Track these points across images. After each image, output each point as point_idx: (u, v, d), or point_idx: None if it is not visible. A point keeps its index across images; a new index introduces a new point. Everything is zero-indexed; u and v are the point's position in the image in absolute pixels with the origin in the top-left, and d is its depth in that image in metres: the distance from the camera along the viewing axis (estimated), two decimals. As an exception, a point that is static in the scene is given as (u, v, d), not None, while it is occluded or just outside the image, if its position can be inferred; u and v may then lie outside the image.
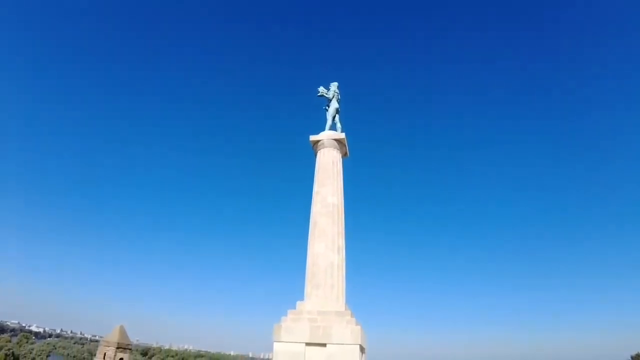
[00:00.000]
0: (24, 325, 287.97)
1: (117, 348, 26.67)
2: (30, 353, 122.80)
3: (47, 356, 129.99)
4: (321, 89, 21.72)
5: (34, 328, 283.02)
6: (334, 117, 21.21)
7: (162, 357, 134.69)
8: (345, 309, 16.41)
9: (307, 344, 15.32)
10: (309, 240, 18.19)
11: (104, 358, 26.60)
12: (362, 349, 15.74)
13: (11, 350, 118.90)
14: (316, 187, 19.19)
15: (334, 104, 21.39)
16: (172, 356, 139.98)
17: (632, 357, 50.36)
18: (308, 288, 17.17)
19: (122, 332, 27.62)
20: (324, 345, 15.12)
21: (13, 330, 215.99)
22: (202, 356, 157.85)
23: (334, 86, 21.85)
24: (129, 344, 27.70)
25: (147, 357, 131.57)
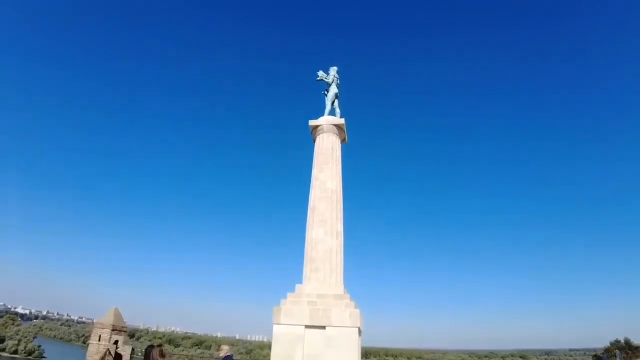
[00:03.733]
0: (9, 307, 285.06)
1: (112, 330, 26.74)
2: (17, 335, 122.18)
3: (33, 338, 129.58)
4: (320, 73, 21.52)
5: (19, 310, 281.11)
6: (333, 102, 21.11)
7: (149, 339, 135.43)
8: (344, 293, 16.74)
9: (307, 327, 15.62)
10: (307, 225, 18.34)
11: (99, 340, 26.66)
12: (359, 331, 16.17)
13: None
14: (315, 172, 19.25)
15: (333, 89, 21.25)
16: (159, 338, 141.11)
17: (610, 344, 52.27)
18: (307, 272, 17.41)
19: (117, 314, 27.66)
20: (324, 327, 15.46)
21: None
22: (189, 338, 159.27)
23: (333, 70, 21.66)
24: (123, 327, 27.80)
25: (134, 338, 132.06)
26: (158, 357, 7.73)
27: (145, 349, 9.11)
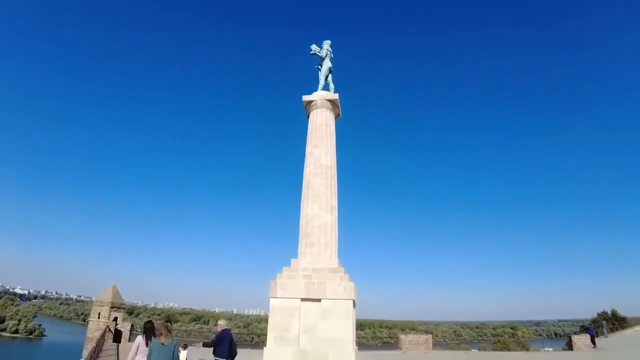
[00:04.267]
0: (7, 287, 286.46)
1: (111, 308, 27.05)
2: (17, 315, 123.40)
3: (33, 317, 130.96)
4: (314, 47, 21.09)
5: (18, 290, 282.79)
6: (326, 77, 20.79)
7: (148, 315, 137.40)
8: (339, 266, 17.01)
9: (302, 300, 15.93)
10: (302, 200, 18.42)
11: (98, 317, 27.02)
12: (354, 304, 16.51)
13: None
14: (309, 148, 19.19)
15: (327, 63, 20.90)
16: (158, 314, 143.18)
17: (597, 315, 53.45)
18: (302, 247, 17.61)
19: (115, 292, 27.95)
20: (319, 300, 15.77)
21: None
22: (187, 314, 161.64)
23: (326, 44, 21.22)
24: (122, 304, 28.13)
25: (133, 315, 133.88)
26: (165, 330, 7.84)
27: (144, 324, 9.24)
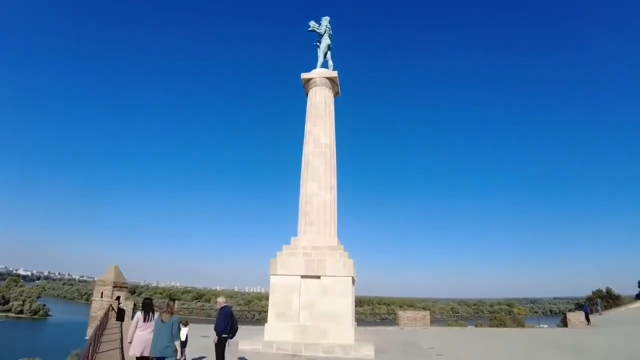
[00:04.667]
0: (10, 269, 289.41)
1: (114, 287, 27.43)
2: (21, 295, 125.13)
3: (37, 297, 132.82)
4: (312, 24, 20.68)
5: (21, 272, 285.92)
6: (325, 54, 20.46)
7: (149, 294, 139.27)
8: (338, 244, 17.16)
9: (302, 277, 16.13)
10: (301, 179, 18.41)
11: (101, 297, 27.39)
12: (353, 281, 16.73)
13: (1, 294, 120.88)
14: (308, 127, 19.06)
15: (326, 40, 20.52)
16: (160, 293, 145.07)
17: (592, 293, 54.13)
18: (302, 225, 17.71)
19: (117, 271, 28.28)
20: (318, 277, 15.97)
21: (0, 274, 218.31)
22: (188, 292, 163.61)
23: (325, 21, 20.79)
24: (124, 283, 28.50)
25: (135, 294, 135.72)
26: (167, 308, 8.00)
27: (143, 300, 9.37)
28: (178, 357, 7.44)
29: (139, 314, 8.66)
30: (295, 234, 17.95)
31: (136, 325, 8.53)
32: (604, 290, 53.26)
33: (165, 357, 7.45)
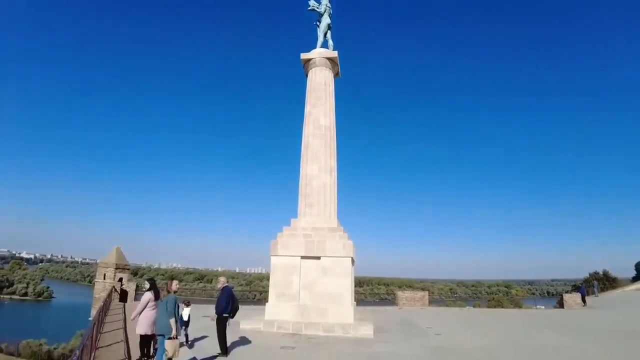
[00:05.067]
0: (14, 252, 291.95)
1: (116, 269, 27.71)
2: (25, 278, 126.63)
3: (41, 280, 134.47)
4: (312, 3, 20.25)
5: (24, 255, 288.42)
6: (325, 34, 20.11)
7: (151, 276, 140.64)
8: (338, 226, 17.25)
9: (303, 257, 16.26)
10: (301, 161, 18.37)
11: (104, 278, 27.69)
12: (352, 261, 16.89)
13: (5, 277, 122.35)
14: (308, 108, 18.89)
15: (326, 19, 20.13)
16: (162, 274, 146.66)
17: (589, 275, 54.59)
18: (302, 207, 17.76)
19: (119, 253, 28.53)
20: (319, 258, 16.11)
21: (4, 258, 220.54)
22: (190, 273, 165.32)
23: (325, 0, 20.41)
24: (126, 265, 28.78)
25: (137, 276, 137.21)
26: (167, 287, 8.21)
27: (148, 280, 9.54)
28: (173, 334, 7.58)
29: (150, 294, 8.94)
30: (295, 215, 18.02)
31: (145, 305, 8.84)
32: (601, 273, 53.80)
33: (163, 335, 7.64)
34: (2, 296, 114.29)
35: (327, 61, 19.43)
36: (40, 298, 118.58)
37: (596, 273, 54.04)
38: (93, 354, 9.41)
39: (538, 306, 34.29)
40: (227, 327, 10.74)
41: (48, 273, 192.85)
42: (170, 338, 7.54)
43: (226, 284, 11.31)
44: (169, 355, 7.43)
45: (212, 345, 11.19)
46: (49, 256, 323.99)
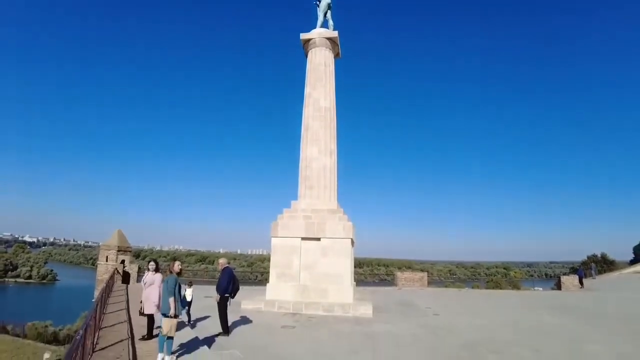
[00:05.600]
0: (17, 236, 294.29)
1: (118, 251, 27.93)
2: (28, 261, 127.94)
3: (44, 263, 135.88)
4: None
5: (27, 239, 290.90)
6: (325, 13, 19.73)
7: (153, 257, 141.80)
8: (338, 208, 17.31)
9: (303, 239, 16.37)
10: (301, 143, 18.28)
11: (107, 261, 27.94)
12: (352, 242, 17.00)
13: (9, 260, 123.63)
14: (308, 90, 18.69)
15: (326, -2, 19.76)
16: (164, 256, 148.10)
17: (587, 257, 54.92)
18: (302, 189, 17.78)
19: (121, 235, 28.71)
20: (319, 239, 16.21)
21: (7, 242, 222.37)
22: (192, 255, 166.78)
23: None
24: (128, 247, 29.00)
25: (139, 258, 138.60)
26: (169, 268, 8.30)
27: (153, 260, 9.68)
28: (171, 313, 7.66)
29: (156, 275, 9.09)
30: (295, 197, 18.05)
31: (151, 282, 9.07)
32: (599, 256, 54.24)
33: (165, 314, 7.75)
34: (6, 279, 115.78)
35: (327, 41, 19.13)
36: (44, 281, 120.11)
37: (594, 256, 54.50)
38: (97, 334, 9.56)
39: (536, 288, 34.64)
40: (229, 306, 10.89)
41: (51, 256, 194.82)
42: (168, 316, 7.62)
43: (227, 265, 11.42)
44: (164, 332, 7.51)
45: (213, 325, 11.38)
46: (51, 240, 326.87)
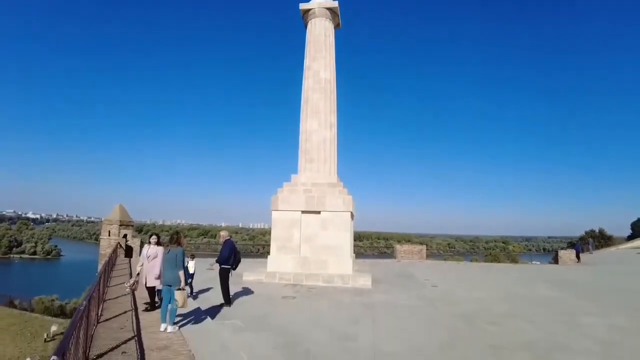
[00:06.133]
0: (20, 213, 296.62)
1: (120, 225, 28.19)
2: (32, 238, 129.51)
3: (48, 239, 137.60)
4: None
5: (30, 215, 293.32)
6: (325, -18, 19.10)
7: (156, 232, 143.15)
8: (338, 181, 17.26)
9: (303, 212, 16.42)
10: (301, 116, 18.04)
11: (109, 235, 28.22)
12: (352, 216, 17.07)
13: (13, 237, 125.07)
14: (307, 62, 18.28)
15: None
16: (166, 231, 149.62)
17: (585, 232, 55.33)
18: (302, 163, 17.68)
19: (123, 210, 28.91)
20: (319, 212, 16.26)
21: (11, 219, 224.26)
22: (195, 229, 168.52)
23: None
24: (130, 221, 29.24)
25: (142, 233, 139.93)
26: (175, 238, 8.30)
27: (157, 235, 9.74)
28: (182, 286, 7.77)
29: (159, 248, 9.11)
30: (295, 171, 17.98)
31: (147, 254, 9.11)
32: (597, 231, 54.74)
33: (171, 285, 7.82)
34: (11, 255, 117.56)
35: (327, 11, 18.56)
36: (49, 256, 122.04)
37: (592, 231, 55.03)
38: (102, 306, 9.74)
39: (533, 262, 35.11)
40: (230, 278, 11.03)
41: (55, 232, 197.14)
42: (179, 289, 7.72)
43: (228, 238, 11.48)
44: (179, 304, 7.65)
45: (215, 296, 11.56)
46: (54, 216, 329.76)
